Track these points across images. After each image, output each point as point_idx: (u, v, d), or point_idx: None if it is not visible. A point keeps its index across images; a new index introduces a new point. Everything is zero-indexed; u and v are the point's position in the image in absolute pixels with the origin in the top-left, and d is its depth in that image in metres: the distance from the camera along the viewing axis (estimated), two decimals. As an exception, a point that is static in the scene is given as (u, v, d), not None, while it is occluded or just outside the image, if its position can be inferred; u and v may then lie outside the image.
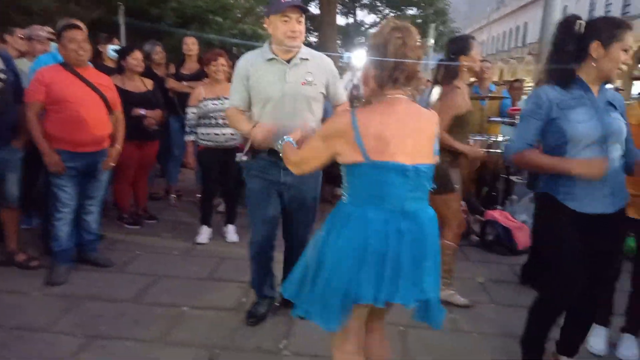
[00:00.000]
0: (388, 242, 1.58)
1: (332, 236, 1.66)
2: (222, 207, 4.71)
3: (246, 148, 2.58)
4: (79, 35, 3.13)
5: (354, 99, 4.67)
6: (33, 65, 3.64)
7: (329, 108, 5.22)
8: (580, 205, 2.05)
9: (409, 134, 1.61)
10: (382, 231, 1.59)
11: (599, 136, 1.99)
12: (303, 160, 1.79)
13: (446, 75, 3.03)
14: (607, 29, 1.99)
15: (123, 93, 3.74)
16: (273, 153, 2.38)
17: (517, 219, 4.34)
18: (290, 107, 2.47)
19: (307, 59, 2.53)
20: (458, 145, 3.01)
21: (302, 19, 2.43)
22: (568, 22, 2.07)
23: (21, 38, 4.12)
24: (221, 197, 4.63)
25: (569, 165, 1.98)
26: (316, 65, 2.55)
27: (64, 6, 12.07)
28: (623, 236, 2.43)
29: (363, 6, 22.58)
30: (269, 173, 2.57)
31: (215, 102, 3.92)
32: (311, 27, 22.02)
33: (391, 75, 1.60)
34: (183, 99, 4.44)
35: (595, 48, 1.99)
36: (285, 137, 1.93)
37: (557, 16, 5.50)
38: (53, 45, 4.11)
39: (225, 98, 3.85)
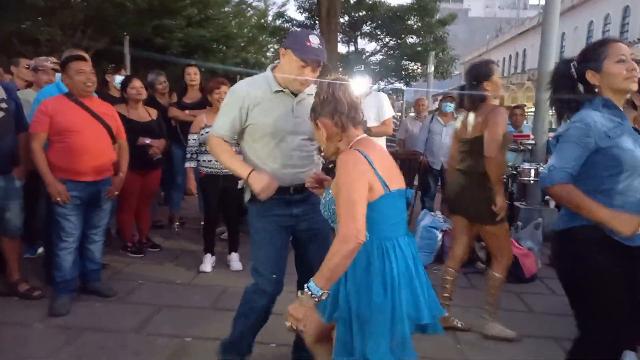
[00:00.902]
0: (417, 264, 1.75)
1: (374, 275, 1.66)
2: (225, 235, 4.69)
3: (245, 191, 2.41)
4: (86, 67, 3.18)
5: None
6: (38, 96, 3.68)
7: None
8: (631, 238, 1.82)
9: (392, 164, 1.81)
10: (411, 254, 1.74)
11: None
12: (353, 221, 1.59)
13: (473, 102, 3.01)
14: (591, 54, 1.95)
15: (127, 122, 3.78)
16: (280, 191, 2.25)
17: (522, 246, 4.30)
18: (297, 144, 2.30)
19: (311, 94, 2.40)
20: (499, 185, 2.90)
21: (319, 70, 2.26)
22: (563, 65, 2.05)
23: (27, 68, 4.19)
24: (224, 224, 4.62)
25: (604, 215, 1.79)
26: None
27: (69, 36, 12.32)
28: None
29: (364, 35, 22.91)
30: (280, 209, 2.35)
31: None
32: (313, 56, 22.38)
33: (348, 115, 1.77)
34: (186, 127, 4.48)
35: (590, 77, 1.94)
36: (310, 290, 1.62)
37: (554, 43, 5.57)
38: (57, 76, 4.19)
39: None
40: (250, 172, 2.22)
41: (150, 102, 4.58)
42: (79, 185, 3.16)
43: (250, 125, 2.29)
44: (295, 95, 2.31)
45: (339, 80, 1.82)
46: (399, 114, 21.77)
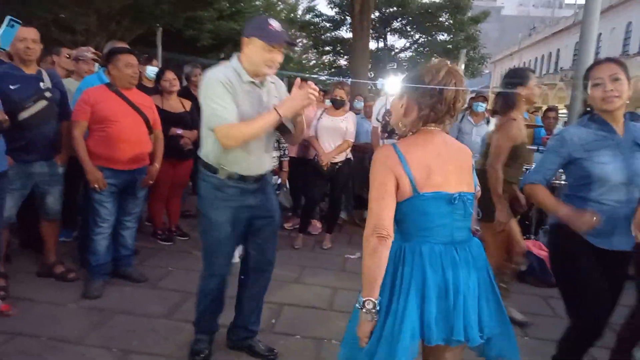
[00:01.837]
0: (445, 274, 1.55)
1: (386, 279, 1.55)
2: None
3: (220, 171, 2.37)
4: (134, 61, 3.31)
5: (387, 125, 4.68)
6: (80, 85, 3.80)
7: (362, 128, 5.23)
8: (603, 241, 2.09)
9: (449, 164, 1.63)
10: (440, 265, 1.56)
11: (625, 178, 2.03)
12: (380, 215, 1.53)
13: (504, 106, 3.10)
14: (585, 77, 2.15)
15: (161, 113, 3.87)
16: (242, 178, 2.36)
17: (551, 250, 4.24)
18: (267, 133, 2.37)
19: (273, 82, 2.45)
20: (497, 197, 3.00)
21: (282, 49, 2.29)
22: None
23: (67, 57, 4.31)
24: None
25: (563, 212, 2.08)
26: (278, 89, 2.48)
27: (104, 26, 12.59)
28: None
29: (393, 31, 22.74)
30: (238, 200, 2.40)
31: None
32: (342, 51, 22.34)
33: (437, 113, 1.62)
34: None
35: (587, 97, 2.16)
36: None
37: (592, 44, 5.43)
38: (96, 65, 4.31)
39: None
40: (275, 108, 2.26)
41: (184, 93, 4.66)
42: (116, 173, 3.27)
43: None
44: (262, 85, 2.36)
45: (456, 75, 1.64)
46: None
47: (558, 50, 39.27)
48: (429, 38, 22.16)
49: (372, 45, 21.09)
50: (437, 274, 1.55)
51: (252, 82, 2.31)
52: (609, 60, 2.13)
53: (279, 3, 24.17)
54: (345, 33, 21.69)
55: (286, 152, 4.83)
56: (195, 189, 5.84)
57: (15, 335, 2.70)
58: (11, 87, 2.97)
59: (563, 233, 2.15)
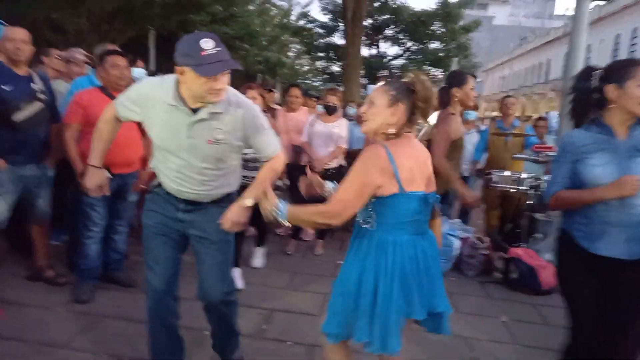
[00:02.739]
0: (418, 263, 1.83)
1: (369, 264, 1.83)
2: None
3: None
4: (122, 62, 3.26)
5: None
6: (71, 88, 3.77)
7: (355, 134, 5.20)
8: (593, 245, 2.05)
9: (422, 166, 1.87)
10: (414, 254, 1.83)
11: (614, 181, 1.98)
12: (346, 207, 1.74)
13: (441, 102, 3.43)
14: (618, 70, 2.03)
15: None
16: (169, 194, 2.22)
17: (541, 258, 4.27)
18: (196, 164, 2.10)
19: (220, 113, 2.03)
20: (454, 182, 3.26)
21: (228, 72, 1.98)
22: (584, 75, 2.15)
23: (57, 58, 4.26)
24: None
25: (598, 194, 1.98)
26: (232, 120, 2.07)
27: (96, 27, 12.53)
28: None
29: (386, 38, 22.90)
30: (165, 209, 2.23)
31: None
32: (335, 57, 22.44)
33: (422, 113, 1.85)
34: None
35: (611, 90, 2.02)
36: (278, 207, 1.81)
37: (581, 55, 5.50)
38: (87, 67, 4.28)
39: None
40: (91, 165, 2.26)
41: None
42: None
43: (146, 129, 2.17)
44: (195, 111, 2.01)
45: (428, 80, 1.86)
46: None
47: (548, 60, 39.74)
48: (421, 46, 22.33)
49: (365, 52, 21.25)
50: (413, 260, 1.82)
51: (176, 107, 2.00)
52: None
53: (273, 8, 24.25)
54: (338, 39, 21.80)
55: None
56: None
57: (2, 340, 2.67)
58: (4, 87, 2.94)
59: (565, 239, 2.16)
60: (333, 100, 4.68)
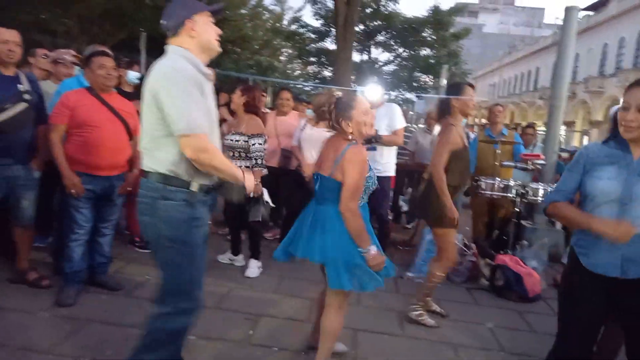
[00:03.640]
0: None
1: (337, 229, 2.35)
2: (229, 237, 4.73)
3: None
4: (108, 62, 3.23)
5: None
6: (59, 89, 3.73)
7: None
8: (590, 262, 2.04)
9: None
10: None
11: (618, 196, 1.95)
12: (356, 199, 2.33)
13: (440, 112, 3.50)
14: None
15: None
16: (208, 191, 2.07)
17: (527, 265, 4.31)
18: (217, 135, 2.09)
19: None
20: (444, 195, 3.26)
21: None
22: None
23: (44, 57, 4.21)
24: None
25: (593, 224, 1.94)
26: None
27: (86, 29, 12.44)
28: None
29: (378, 44, 23.01)
30: (205, 219, 2.13)
31: (236, 136, 3.98)
32: (326, 62, 22.49)
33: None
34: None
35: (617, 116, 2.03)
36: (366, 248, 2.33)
37: (569, 63, 5.58)
38: (76, 69, 4.24)
39: (242, 134, 3.93)
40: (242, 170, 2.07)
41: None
42: (94, 179, 3.20)
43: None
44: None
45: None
46: (410, 125, 21.78)
47: (537, 68, 40.20)
48: (412, 52, 22.47)
49: (357, 57, 21.33)
50: None
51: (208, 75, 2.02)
52: None
53: (265, 12, 24.26)
54: (330, 44, 21.86)
55: (259, 161, 4.12)
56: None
57: (-18, 345, 2.62)
58: (-11, 88, 2.91)
59: (571, 254, 2.14)
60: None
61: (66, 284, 3.27)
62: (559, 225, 5.46)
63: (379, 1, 20.47)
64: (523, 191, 4.64)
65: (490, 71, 51.24)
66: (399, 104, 20.64)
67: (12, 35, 3.02)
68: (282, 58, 27.75)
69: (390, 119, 4.54)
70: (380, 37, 22.64)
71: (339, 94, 2.48)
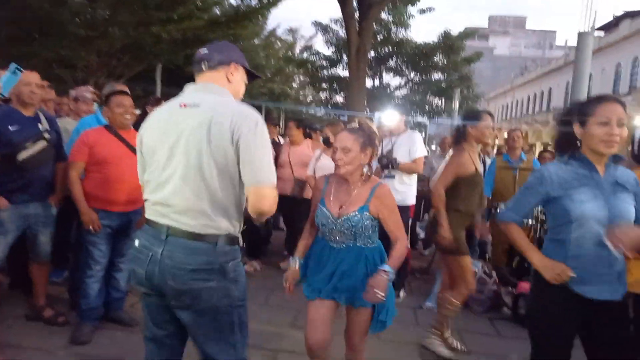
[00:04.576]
0: None
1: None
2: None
3: None
4: (127, 101, 3.30)
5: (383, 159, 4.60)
6: (78, 126, 3.80)
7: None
8: (583, 289, 1.98)
9: None
10: None
11: (604, 217, 1.94)
12: None
13: (455, 138, 3.50)
14: (581, 109, 2.02)
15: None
16: None
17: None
18: None
19: None
20: (440, 215, 3.25)
21: None
22: (568, 111, 2.13)
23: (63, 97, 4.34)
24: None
25: (532, 255, 2.07)
26: None
27: (105, 63, 12.74)
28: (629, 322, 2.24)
29: (389, 69, 23.16)
30: None
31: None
32: (338, 88, 22.69)
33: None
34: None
35: (576, 129, 2.03)
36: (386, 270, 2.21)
37: (585, 84, 5.52)
38: (94, 105, 4.34)
39: None
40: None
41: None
42: (112, 215, 3.23)
43: None
44: None
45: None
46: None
47: (550, 89, 40.06)
48: (424, 77, 22.56)
49: (369, 83, 21.46)
50: None
51: None
52: (616, 100, 1.99)
53: (278, 42, 24.71)
54: (341, 71, 22.07)
55: None
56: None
57: (-1, 385, 2.60)
58: (10, 128, 2.97)
59: (542, 281, 2.05)
60: (328, 133, 4.76)
61: (82, 321, 3.25)
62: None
63: (389, 28, 20.68)
64: (542, 217, 4.54)
65: (502, 93, 51.15)
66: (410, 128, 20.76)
67: (34, 78, 3.10)
68: (294, 84, 28.11)
69: (411, 147, 4.48)
70: (391, 63, 22.80)
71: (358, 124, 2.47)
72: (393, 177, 4.45)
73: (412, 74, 22.88)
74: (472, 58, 21.20)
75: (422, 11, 19.25)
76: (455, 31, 20.86)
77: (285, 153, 5.17)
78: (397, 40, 21.00)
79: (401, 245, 2.30)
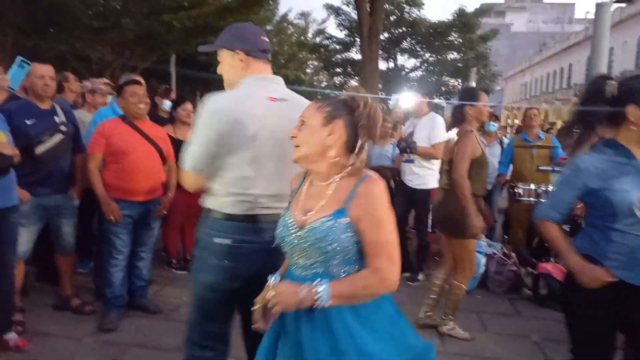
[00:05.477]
0: None
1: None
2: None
3: None
4: (140, 90, 3.32)
5: (402, 145, 4.52)
6: (94, 118, 3.86)
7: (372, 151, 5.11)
8: (630, 275, 1.87)
9: None
10: None
11: None
12: (398, 273, 1.44)
13: (455, 119, 3.41)
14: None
15: (173, 141, 3.89)
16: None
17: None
18: None
19: None
20: (469, 204, 3.14)
21: None
22: (597, 83, 1.97)
23: (78, 81, 4.39)
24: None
25: (572, 262, 1.93)
26: None
27: (119, 54, 12.86)
28: None
29: (403, 51, 22.89)
30: None
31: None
32: (352, 72, 22.53)
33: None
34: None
35: (632, 112, 1.87)
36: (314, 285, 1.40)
37: (604, 59, 5.37)
38: (109, 97, 4.40)
39: None
40: None
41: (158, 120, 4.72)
42: (131, 204, 3.28)
43: None
44: None
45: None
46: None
47: (570, 65, 39.12)
48: (439, 57, 22.25)
49: (383, 65, 21.28)
50: None
51: None
52: None
53: (290, 27, 24.55)
54: (355, 54, 21.91)
55: None
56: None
57: (30, 372, 2.69)
58: (27, 122, 3.02)
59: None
60: None
61: (108, 309, 3.33)
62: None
63: (402, 8, 20.39)
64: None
65: (520, 71, 50.13)
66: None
67: (47, 70, 3.12)
68: (308, 70, 27.98)
69: (431, 131, 4.37)
70: (405, 44, 22.53)
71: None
72: (412, 161, 4.40)
73: (427, 55, 22.59)
74: (488, 35, 20.84)
75: (436, -11, 18.90)
76: (470, 8, 20.49)
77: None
78: (411, 20, 20.70)
79: (376, 277, 1.41)
